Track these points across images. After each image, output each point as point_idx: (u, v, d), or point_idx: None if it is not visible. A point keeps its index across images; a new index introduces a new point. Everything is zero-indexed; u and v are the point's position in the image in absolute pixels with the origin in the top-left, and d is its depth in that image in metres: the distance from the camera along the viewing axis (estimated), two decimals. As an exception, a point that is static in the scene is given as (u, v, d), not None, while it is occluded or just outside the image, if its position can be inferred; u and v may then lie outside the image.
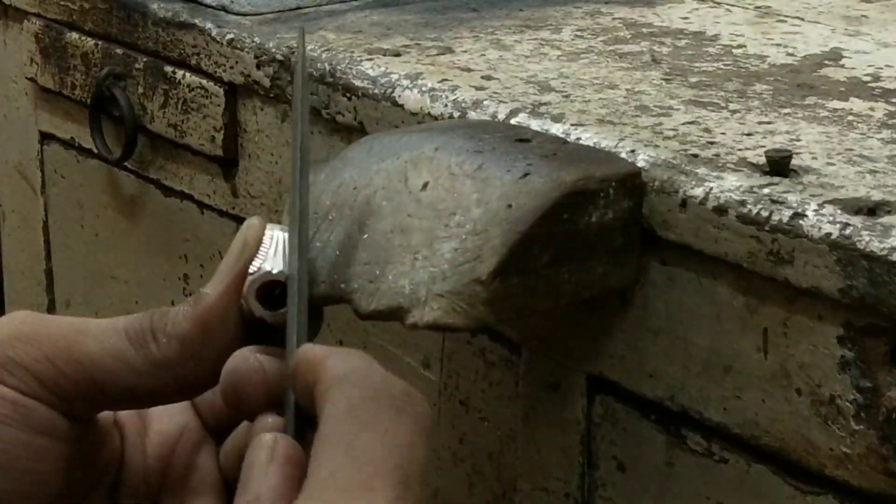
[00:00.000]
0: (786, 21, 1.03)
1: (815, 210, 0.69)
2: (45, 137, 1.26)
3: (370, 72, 0.91)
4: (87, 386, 0.58)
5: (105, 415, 0.62)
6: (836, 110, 0.83)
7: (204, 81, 1.04)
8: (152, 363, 0.58)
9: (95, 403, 0.59)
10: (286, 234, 0.61)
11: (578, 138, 0.79)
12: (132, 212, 1.17)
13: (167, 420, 0.63)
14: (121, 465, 0.62)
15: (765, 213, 0.70)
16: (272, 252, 0.60)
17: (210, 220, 1.09)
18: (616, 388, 0.79)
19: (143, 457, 0.62)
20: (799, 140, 0.78)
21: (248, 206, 1.04)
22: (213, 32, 1.03)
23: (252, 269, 0.59)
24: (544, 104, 0.84)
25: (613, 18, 1.03)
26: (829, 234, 0.68)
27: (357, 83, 0.91)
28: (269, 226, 0.61)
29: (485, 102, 0.85)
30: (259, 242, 0.60)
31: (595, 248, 0.73)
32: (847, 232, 0.67)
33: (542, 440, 0.84)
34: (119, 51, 1.12)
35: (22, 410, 0.58)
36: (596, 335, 0.79)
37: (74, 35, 1.17)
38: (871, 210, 0.69)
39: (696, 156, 0.76)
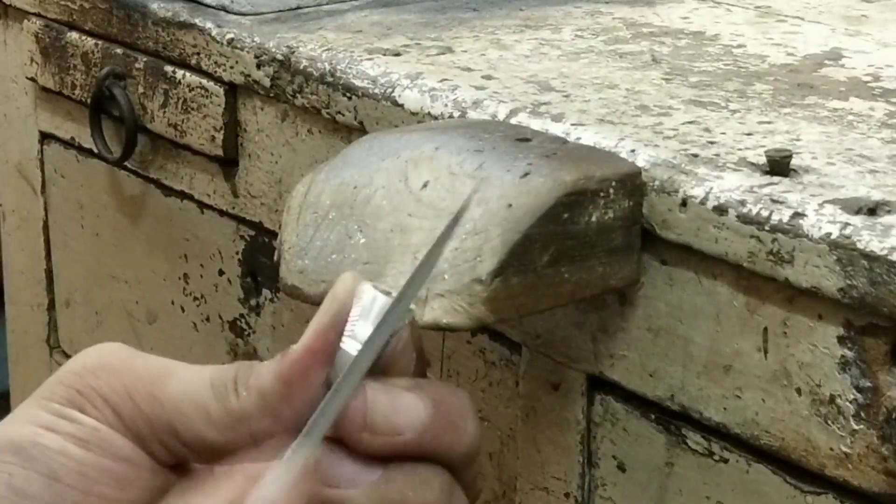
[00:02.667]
0: (786, 21, 1.03)
1: (815, 210, 0.69)
2: (46, 137, 1.26)
3: (370, 71, 0.91)
4: (162, 428, 0.56)
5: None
6: (836, 110, 0.83)
7: (204, 81, 1.04)
8: (230, 415, 0.55)
9: (169, 448, 0.56)
10: (386, 298, 0.56)
11: (578, 138, 0.79)
12: (132, 212, 1.17)
13: None
14: None
15: (765, 213, 0.70)
16: (371, 314, 0.55)
17: (210, 220, 1.09)
18: (616, 388, 0.79)
19: None
20: (799, 140, 0.78)
21: (248, 205, 1.04)
22: (213, 32, 1.02)
23: (347, 330, 0.55)
24: (544, 104, 0.84)
25: (613, 18, 1.03)
26: (829, 234, 0.68)
27: (357, 83, 0.91)
28: (367, 285, 0.56)
29: (485, 102, 0.85)
30: (348, 298, 0.55)
31: (595, 248, 0.73)
32: (847, 232, 0.67)
33: (542, 440, 0.83)
34: (119, 51, 1.12)
35: (103, 435, 0.56)
36: (596, 335, 0.79)
37: (74, 35, 1.17)
38: (871, 210, 0.69)
39: (696, 155, 0.76)
